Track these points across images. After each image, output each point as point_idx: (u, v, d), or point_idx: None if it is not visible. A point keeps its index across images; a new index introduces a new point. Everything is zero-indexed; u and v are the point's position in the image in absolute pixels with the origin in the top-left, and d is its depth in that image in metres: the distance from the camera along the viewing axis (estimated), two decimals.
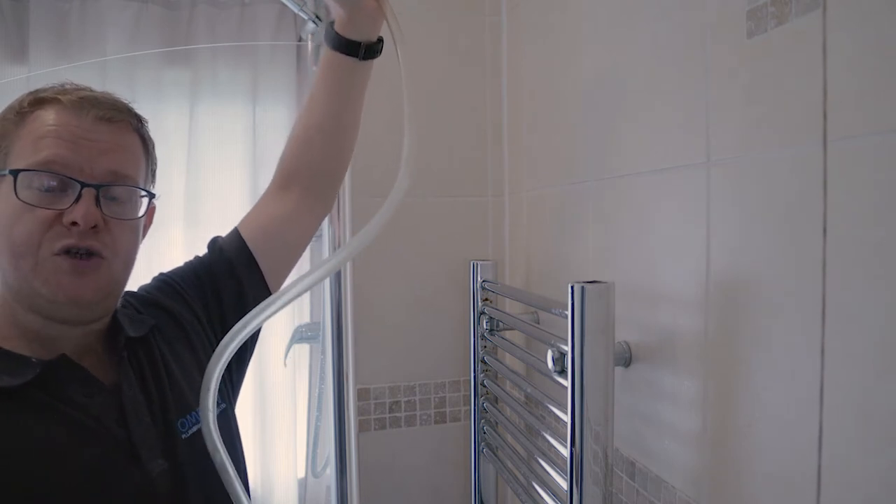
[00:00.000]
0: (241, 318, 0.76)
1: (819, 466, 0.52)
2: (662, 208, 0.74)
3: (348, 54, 0.74)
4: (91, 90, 0.64)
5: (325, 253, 1.21)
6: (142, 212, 0.66)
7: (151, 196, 0.67)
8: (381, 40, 0.76)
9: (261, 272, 0.78)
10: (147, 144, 0.68)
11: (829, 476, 0.51)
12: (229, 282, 0.77)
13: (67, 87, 0.63)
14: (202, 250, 0.82)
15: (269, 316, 0.58)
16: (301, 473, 1.47)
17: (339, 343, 1.27)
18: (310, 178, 0.81)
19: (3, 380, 0.56)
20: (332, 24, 0.74)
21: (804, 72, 0.53)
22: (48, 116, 0.60)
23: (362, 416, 1.20)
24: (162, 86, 1.35)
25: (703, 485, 0.67)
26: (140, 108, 0.68)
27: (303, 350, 1.47)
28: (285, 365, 1.42)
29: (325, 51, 0.76)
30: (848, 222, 0.50)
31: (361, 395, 1.20)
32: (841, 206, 0.50)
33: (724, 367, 0.64)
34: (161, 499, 0.61)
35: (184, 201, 1.36)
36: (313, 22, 1.26)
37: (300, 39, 1.41)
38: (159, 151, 0.71)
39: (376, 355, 1.21)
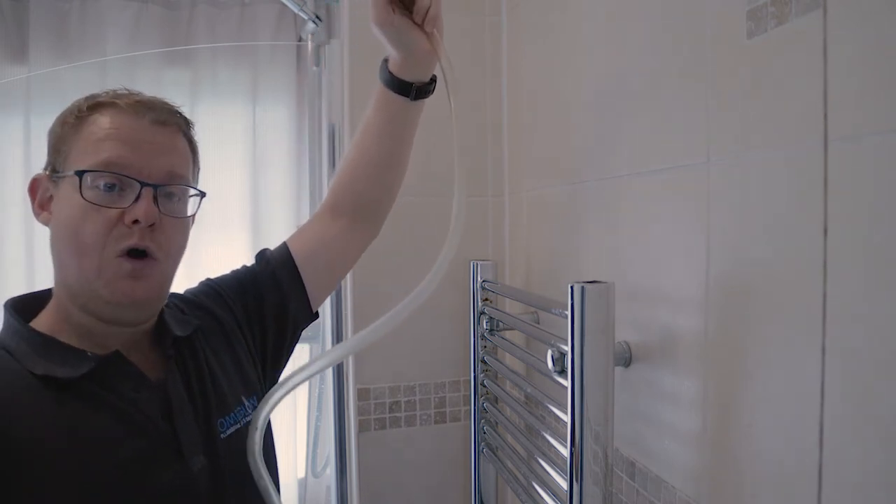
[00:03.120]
0: (280, 326, 0.80)
1: (819, 466, 0.52)
2: (662, 208, 0.74)
3: (400, 93, 0.75)
4: (143, 94, 0.66)
5: None
6: (192, 211, 0.69)
7: (202, 195, 0.69)
8: (433, 80, 0.77)
9: (304, 287, 0.81)
10: (193, 147, 0.70)
11: (829, 476, 0.51)
12: (273, 290, 0.79)
13: (120, 91, 0.65)
14: (202, 250, 0.82)
15: (294, 387, 0.64)
16: (301, 473, 1.48)
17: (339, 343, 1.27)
18: (359, 207, 0.84)
19: (62, 371, 0.58)
20: (385, 61, 0.76)
21: (804, 72, 0.53)
22: (106, 120, 0.62)
23: (362, 416, 1.20)
24: (162, 86, 1.35)
25: (703, 485, 0.67)
26: None
27: (303, 350, 1.47)
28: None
29: (379, 87, 0.77)
30: (848, 222, 0.50)
31: (361, 395, 1.20)
32: (841, 206, 0.50)
33: (724, 367, 0.64)
34: (200, 495, 0.63)
35: None
36: (313, 22, 1.26)
37: (300, 39, 1.42)
38: None
39: (376, 355, 1.21)
